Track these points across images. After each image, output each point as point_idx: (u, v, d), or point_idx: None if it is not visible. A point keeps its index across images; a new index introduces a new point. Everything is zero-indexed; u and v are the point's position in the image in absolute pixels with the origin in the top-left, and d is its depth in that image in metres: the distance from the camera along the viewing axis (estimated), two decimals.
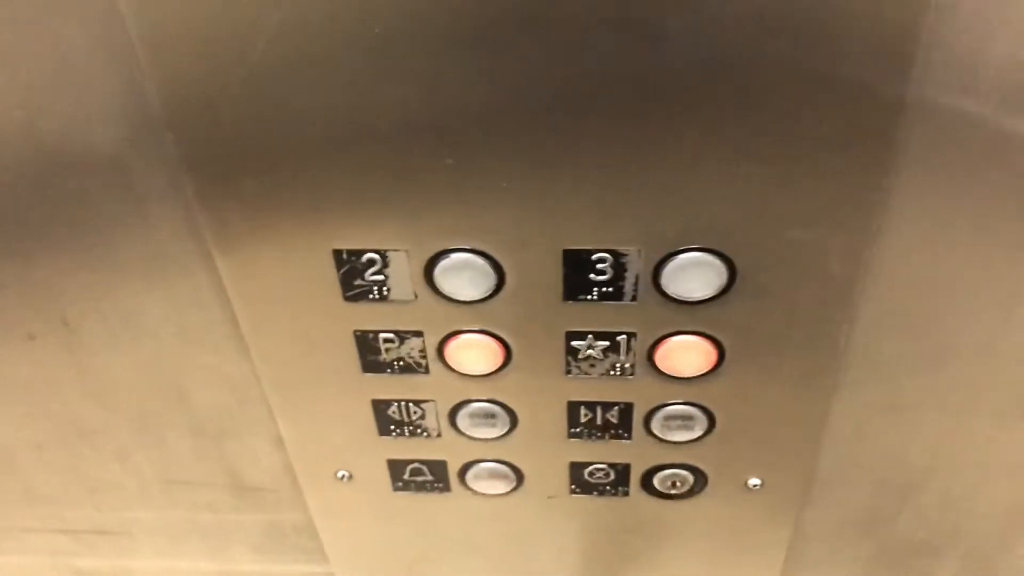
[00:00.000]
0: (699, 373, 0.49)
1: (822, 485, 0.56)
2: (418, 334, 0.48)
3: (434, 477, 0.57)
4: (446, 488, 0.58)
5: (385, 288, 0.46)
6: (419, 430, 0.54)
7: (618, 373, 0.49)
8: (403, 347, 0.49)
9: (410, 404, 0.52)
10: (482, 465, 0.56)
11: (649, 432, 0.53)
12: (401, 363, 0.50)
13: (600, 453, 0.55)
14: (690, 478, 0.55)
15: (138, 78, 0.39)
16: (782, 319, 0.46)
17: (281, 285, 0.46)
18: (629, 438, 0.53)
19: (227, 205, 0.43)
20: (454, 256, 0.44)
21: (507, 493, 0.57)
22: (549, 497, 0.57)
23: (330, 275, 0.46)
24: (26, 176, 0.44)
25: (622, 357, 0.48)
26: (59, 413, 0.55)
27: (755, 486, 0.55)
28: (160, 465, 0.58)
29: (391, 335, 0.48)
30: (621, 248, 0.43)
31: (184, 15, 0.36)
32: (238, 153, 0.41)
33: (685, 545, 0.60)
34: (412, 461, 0.56)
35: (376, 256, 0.45)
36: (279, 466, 0.57)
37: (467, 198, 0.42)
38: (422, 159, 0.41)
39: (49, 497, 0.61)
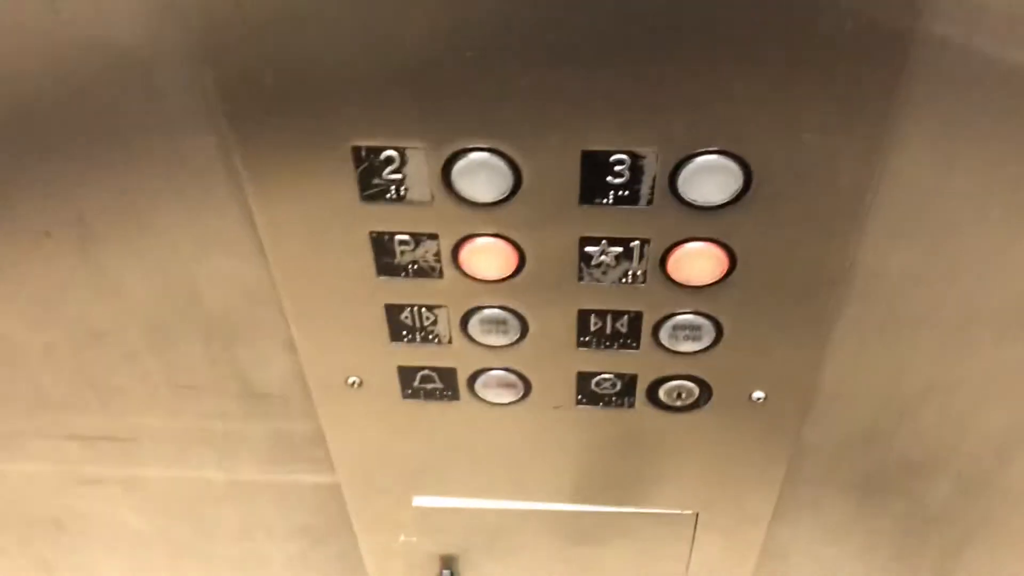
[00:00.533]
0: (710, 282, 0.50)
1: (823, 401, 0.57)
2: (433, 236, 0.49)
3: (443, 385, 0.58)
4: (455, 396, 0.58)
5: (403, 188, 0.46)
6: (430, 336, 0.54)
7: (629, 281, 0.50)
8: (418, 250, 0.49)
9: (422, 309, 0.53)
10: (491, 373, 0.57)
11: (657, 342, 0.53)
12: (415, 266, 0.50)
13: (607, 363, 0.55)
14: (695, 390, 0.56)
15: None
16: (794, 228, 0.46)
17: (300, 184, 0.47)
18: (637, 348, 0.54)
19: (248, 103, 0.43)
20: (472, 155, 0.45)
21: (514, 402, 0.58)
22: (555, 408, 0.58)
23: (348, 173, 0.46)
24: (46, 68, 0.44)
25: (634, 264, 0.49)
26: (71, 314, 0.56)
27: (759, 399, 0.56)
28: (170, 370, 0.59)
29: (407, 237, 0.49)
30: (639, 150, 0.44)
31: None
32: (260, 48, 0.41)
33: (687, 459, 0.62)
34: (422, 368, 0.57)
35: (395, 154, 0.45)
36: (289, 372, 0.58)
37: (486, 95, 0.42)
38: (442, 52, 0.41)
39: (57, 402, 0.62)
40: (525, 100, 0.42)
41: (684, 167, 0.44)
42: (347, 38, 0.40)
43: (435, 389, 0.58)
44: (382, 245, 0.49)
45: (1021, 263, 0.49)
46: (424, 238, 0.49)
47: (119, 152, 0.47)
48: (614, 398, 0.58)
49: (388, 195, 0.47)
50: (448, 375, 0.57)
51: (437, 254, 0.50)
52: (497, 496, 0.66)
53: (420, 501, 0.67)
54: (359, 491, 0.67)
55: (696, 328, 0.52)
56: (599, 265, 0.49)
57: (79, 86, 0.44)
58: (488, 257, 0.49)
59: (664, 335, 0.53)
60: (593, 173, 0.45)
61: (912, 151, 0.44)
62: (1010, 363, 0.55)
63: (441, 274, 0.51)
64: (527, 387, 0.58)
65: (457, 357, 0.56)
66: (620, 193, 0.46)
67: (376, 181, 0.46)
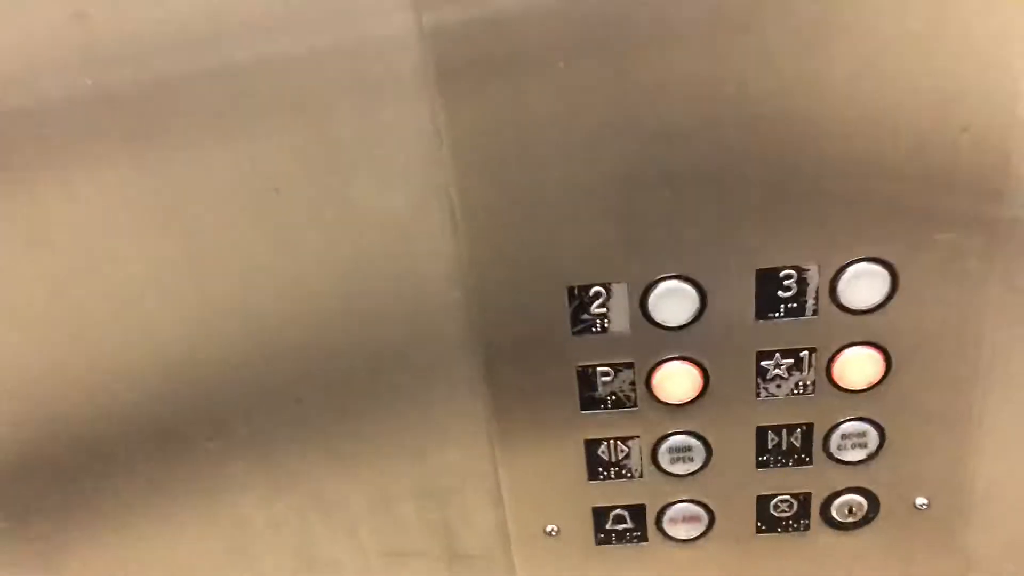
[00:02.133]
0: (869, 384, 0.58)
1: (980, 503, 0.63)
2: (630, 365, 0.58)
3: (634, 525, 0.64)
4: (643, 538, 0.64)
5: (607, 320, 0.56)
6: (623, 471, 0.61)
7: (800, 392, 0.58)
8: (616, 380, 0.58)
9: (618, 442, 0.60)
10: (677, 507, 0.63)
11: (827, 454, 0.60)
12: (613, 397, 0.59)
13: (784, 484, 0.62)
14: (864, 504, 0.62)
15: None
16: (937, 322, 0.55)
17: (520, 321, 0.56)
18: (810, 463, 0.61)
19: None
20: (665, 284, 0.55)
21: (699, 537, 0.64)
22: (737, 542, 0.64)
23: (562, 311, 0.56)
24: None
25: (804, 373, 0.57)
26: (305, 489, 0.63)
27: (922, 506, 0.62)
28: (383, 536, 0.65)
29: (607, 368, 0.58)
30: (804, 264, 0.54)
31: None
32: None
33: None
34: (615, 507, 0.63)
35: (601, 289, 0.55)
36: (493, 527, 0.64)
37: (677, 229, 0.53)
38: (642, 199, 0.52)
39: None
40: (708, 229, 0.53)
41: (841, 275, 0.54)
42: (564, 191, 0.52)
43: (626, 530, 0.64)
44: (586, 378, 0.58)
45: None
46: (622, 368, 0.58)
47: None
48: (791, 521, 0.63)
49: (594, 328, 0.56)
50: (638, 513, 0.63)
51: (633, 383, 0.58)
52: None
53: None
54: None
55: (862, 435, 0.60)
56: (774, 378, 0.58)
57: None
58: (677, 380, 0.58)
59: (833, 445, 0.60)
60: (766, 289, 0.55)
61: None
62: None
63: (636, 403, 0.59)
64: (711, 518, 0.63)
65: (647, 491, 0.62)
66: (789, 305, 0.55)
67: (584, 316, 0.56)
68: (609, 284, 0.55)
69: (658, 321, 0.56)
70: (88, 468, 0.63)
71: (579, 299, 0.55)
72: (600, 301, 0.55)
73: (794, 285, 0.54)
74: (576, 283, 0.55)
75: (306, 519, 0.64)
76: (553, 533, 0.64)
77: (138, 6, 0.48)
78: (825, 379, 0.57)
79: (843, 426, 0.59)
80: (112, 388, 0.59)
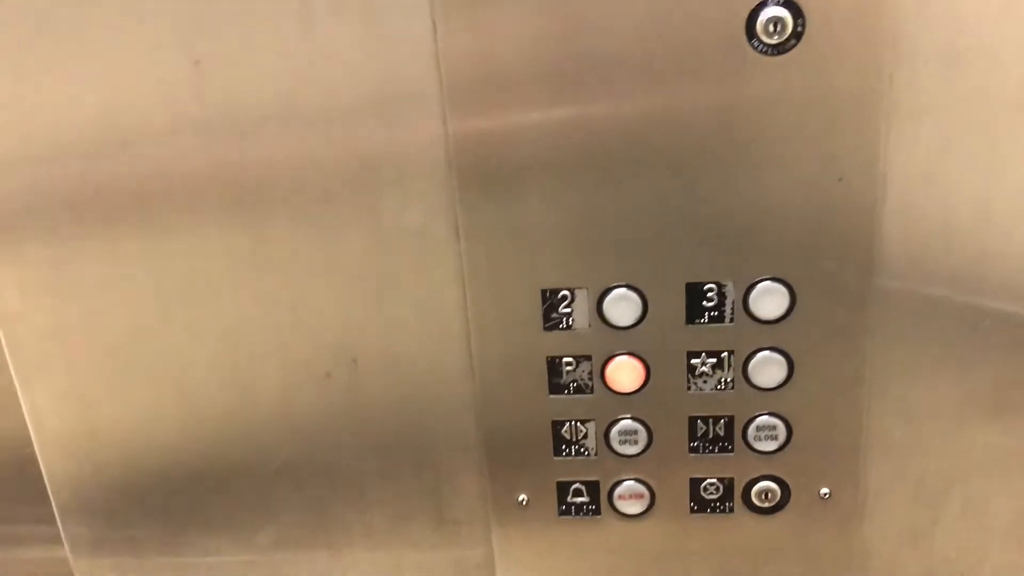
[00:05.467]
0: (778, 384, 0.73)
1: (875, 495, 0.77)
2: (588, 358, 0.74)
3: (589, 498, 0.78)
4: (597, 511, 0.79)
5: (571, 319, 0.72)
6: (582, 449, 0.77)
7: (722, 388, 0.74)
8: (577, 370, 0.74)
9: (577, 424, 0.76)
10: (625, 484, 0.78)
11: (747, 443, 0.75)
12: (575, 384, 0.75)
13: (711, 468, 0.77)
14: (777, 490, 0.77)
15: None
16: (829, 332, 0.71)
17: (504, 319, 0.73)
18: (732, 451, 0.76)
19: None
20: (617, 291, 0.71)
21: (643, 513, 0.78)
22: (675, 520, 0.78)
23: (537, 310, 0.72)
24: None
25: (725, 372, 0.73)
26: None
27: (825, 495, 0.77)
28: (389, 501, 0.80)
29: (571, 359, 0.74)
30: (723, 280, 0.70)
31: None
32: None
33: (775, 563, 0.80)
34: (574, 482, 0.78)
35: (568, 293, 0.72)
36: (475, 496, 0.79)
37: (628, 250, 0.70)
38: (603, 229, 0.69)
39: (293, 541, 0.82)
40: (651, 250, 0.70)
41: (751, 291, 0.71)
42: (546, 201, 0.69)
43: (583, 504, 0.79)
44: (554, 367, 0.74)
45: None
46: (582, 359, 0.74)
47: None
48: (718, 503, 0.78)
49: (560, 325, 0.73)
50: (593, 488, 0.78)
51: (590, 373, 0.74)
52: None
53: None
54: None
55: (773, 428, 0.75)
56: (701, 375, 0.74)
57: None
58: (625, 371, 0.74)
59: (751, 435, 0.75)
60: (694, 299, 0.71)
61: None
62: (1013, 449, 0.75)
63: (592, 390, 0.75)
64: (653, 497, 0.78)
65: (601, 468, 0.77)
66: (712, 314, 0.71)
67: (553, 315, 0.73)
68: (574, 289, 0.71)
69: (611, 321, 0.72)
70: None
71: (550, 300, 0.72)
72: (566, 303, 0.72)
73: (715, 297, 0.71)
74: (548, 287, 0.71)
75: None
76: (524, 503, 0.78)
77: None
78: (742, 377, 0.73)
79: (757, 419, 0.74)
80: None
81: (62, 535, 0.84)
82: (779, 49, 0.63)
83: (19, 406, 0.79)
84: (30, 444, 0.81)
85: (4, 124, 0.70)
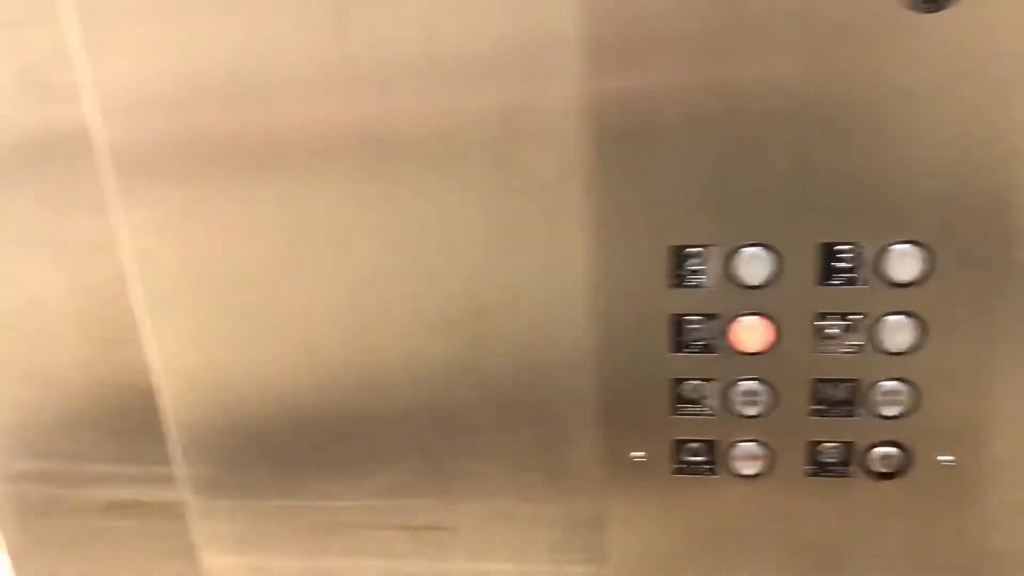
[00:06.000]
0: (906, 348, 0.72)
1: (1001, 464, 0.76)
2: (714, 316, 0.73)
3: (706, 458, 0.78)
4: (713, 471, 0.79)
5: (699, 277, 0.72)
6: (703, 408, 0.76)
7: (850, 351, 0.73)
8: (703, 328, 0.74)
9: (699, 383, 0.76)
10: (742, 446, 0.78)
11: (869, 408, 0.75)
12: (700, 342, 0.74)
13: (832, 432, 0.76)
14: (898, 455, 0.76)
15: None
16: (959, 301, 0.70)
17: (629, 276, 0.73)
18: (854, 415, 0.75)
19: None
20: (747, 250, 0.71)
21: (758, 475, 0.78)
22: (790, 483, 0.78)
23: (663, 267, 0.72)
24: None
25: (855, 334, 0.72)
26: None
27: (948, 463, 0.76)
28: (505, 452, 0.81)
29: (699, 317, 0.74)
30: (860, 240, 0.69)
31: None
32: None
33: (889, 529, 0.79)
34: (692, 440, 0.78)
35: (698, 250, 0.71)
36: (589, 451, 0.80)
37: (763, 209, 0.69)
38: (737, 186, 0.69)
39: (406, 487, 0.83)
40: (786, 211, 0.69)
41: (886, 253, 0.70)
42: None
43: (700, 463, 0.79)
44: (679, 325, 0.74)
45: None
46: (708, 318, 0.74)
47: None
48: (836, 467, 0.78)
49: (688, 283, 0.72)
50: (710, 448, 0.78)
51: (716, 332, 0.74)
52: None
53: None
54: None
55: (899, 393, 0.74)
56: (830, 337, 0.73)
57: None
58: (752, 332, 0.73)
59: (875, 399, 0.74)
60: (827, 260, 0.70)
61: None
62: None
63: (716, 349, 0.74)
64: (771, 458, 0.78)
65: (719, 428, 0.77)
66: (845, 276, 0.71)
67: (680, 272, 0.72)
68: (705, 246, 0.71)
69: (740, 280, 0.71)
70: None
71: (678, 257, 0.71)
72: (696, 260, 0.71)
73: (850, 258, 0.70)
74: (677, 243, 0.71)
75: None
76: (639, 460, 0.79)
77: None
78: (870, 341, 0.72)
79: (884, 384, 0.74)
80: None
81: (179, 475, 0.86)
82: (935, 6, 0.61)
83: (135, 349, 0.81)
84: (148, 386, 0.82)
85: (142, 65, 0.71)
